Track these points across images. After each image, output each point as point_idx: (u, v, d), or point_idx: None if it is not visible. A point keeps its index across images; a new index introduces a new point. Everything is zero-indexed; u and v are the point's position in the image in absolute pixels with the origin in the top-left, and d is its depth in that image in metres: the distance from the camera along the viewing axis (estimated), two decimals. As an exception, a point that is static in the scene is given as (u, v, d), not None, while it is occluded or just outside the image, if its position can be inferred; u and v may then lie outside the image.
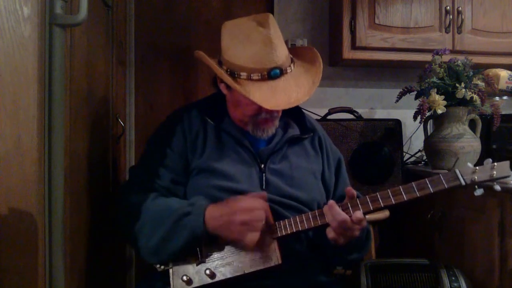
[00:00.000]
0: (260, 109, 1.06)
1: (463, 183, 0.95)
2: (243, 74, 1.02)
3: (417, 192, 0.96)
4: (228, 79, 1.03)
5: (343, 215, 0.95)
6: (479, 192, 0.95)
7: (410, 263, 1.33)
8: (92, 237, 1.17)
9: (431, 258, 1.37)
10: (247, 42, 1.02)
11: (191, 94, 2.07)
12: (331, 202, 0.98)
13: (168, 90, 2.08)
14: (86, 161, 1.13)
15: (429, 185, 0.96)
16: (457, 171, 0.96)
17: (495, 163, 0.95)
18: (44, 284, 0.79)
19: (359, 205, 0.98)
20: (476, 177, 0.95)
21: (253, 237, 0.95)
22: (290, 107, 1.03)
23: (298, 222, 0.99)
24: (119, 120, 1.55)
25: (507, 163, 0.96)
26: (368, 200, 0.98)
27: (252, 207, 0.96)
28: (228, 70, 1.05)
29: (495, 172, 0.94)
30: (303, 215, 1.01)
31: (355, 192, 1.00)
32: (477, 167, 0.96)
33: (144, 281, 1.12)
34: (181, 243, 0.97)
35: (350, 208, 0.98)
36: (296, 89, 1.04)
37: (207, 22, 2.09)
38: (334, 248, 1.03)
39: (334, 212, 0.96)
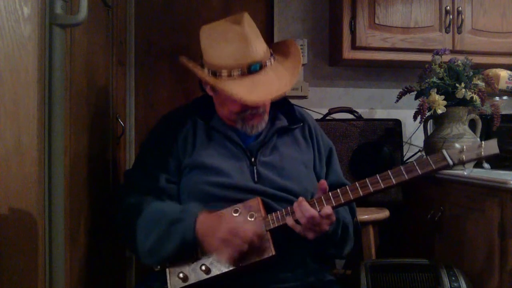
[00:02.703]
0: (244, 105, 1.07)
1: (450, 163, 0.94)
2: (224, 72, 1.04)
3: (405, 175, 0.96)
4: (210, 79, 1.06)
5: (311, 211, 0.95)
6: (467, 171, 0.95)
7: (410, 263, 1.33)
8: (92, 237, 1.17)
9: (431, 258, 1.37)
10: (224, 41, 1.05)
11: (191, 94, 2.07)
12: (300, 198, 0.99)
13: (168, 90, 2.08)
14: (86, 161, 1.13)
15: (417, 167, 0.95)
16: (445, 152, 0.95)
17: (483, 142, 0.95)
18: (44, 284, 0.79)
19: (332, 199, 0.98)
20: (463, 157, 0.94)
21: (229, 255, 0.95)
22: (272, 98, 1.05)
23: (290, 214, 1.00)
24: (119, 120, 1.55)
25: (494, 141, 0.95)
26: (341, 192, 0.98)
27: (237, 230, 0.95)
28: (210, 70, 1.07)
29: (482, 151, 0.93)
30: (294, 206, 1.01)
31: (327, 187, 1.00)
32: (465, 147, 0.95)
33: (143, 282, 1.13)
34: (173, 247, 0.99)
35: (323, 202, 0.98)
36: (277, 81, 1.06)
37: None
38: (313, 241, 1.03)
39: (303, 208, 0.96)
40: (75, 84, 1.02)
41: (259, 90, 1.03)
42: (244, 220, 1.00)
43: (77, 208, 1.04)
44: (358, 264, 1.35)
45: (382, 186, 0.97)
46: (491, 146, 0.94)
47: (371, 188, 0.97)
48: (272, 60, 1.09)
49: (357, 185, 0.98)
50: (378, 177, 0.98)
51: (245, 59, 1.03)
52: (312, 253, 1.12)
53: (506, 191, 1.30)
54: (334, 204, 0.98)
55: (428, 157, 0.96)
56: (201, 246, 1.00)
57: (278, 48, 1.16)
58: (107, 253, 1.39)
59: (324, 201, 0.98)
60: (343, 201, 0.98)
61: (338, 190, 0.99)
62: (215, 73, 1.06)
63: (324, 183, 1.01)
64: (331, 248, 1.13)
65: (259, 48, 1.05)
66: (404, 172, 0.96)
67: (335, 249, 1.14)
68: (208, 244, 0.98)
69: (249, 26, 1.06)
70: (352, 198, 0.98)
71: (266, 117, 1.16)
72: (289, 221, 0.98)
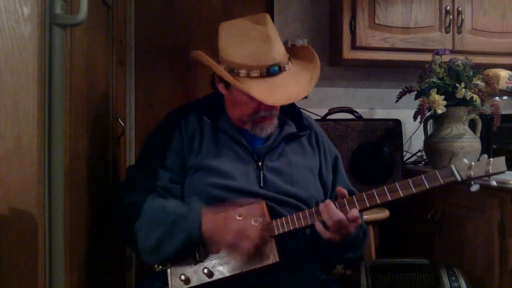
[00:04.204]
0: (259, 107, 1.07)
1: (459, 178, 0.95)
2: (243, 72, 1.03)
3: (413, 189, 0.96)
4: (229, 77, 1.03)
5: (339, 215, 0.95)
6: (475, 188, 0.96)
7: (410, 263, 1.33)
8: (92, 237, 1.17)
9: (431, 258, 1.37)
10: (245, 40, 1.03)
11: (191, 94, 2.07)
12: (328, 200, 0.99)
13: (168, 90, 2.08)
14: (86, 161, 1.13)
15: (425, 181, 0.96)
16: (453, 167, 0.96)
17: (491, 159, 0.95)
18: (44, 284, 0.79)
19: (356, 203, 0.98)
20: (472, 173, 0.95)
21: (243, 250, 0.95)
22: (290, 102, 1.05)
23: (295, 220, 1.00)
24: (119, 120, 1.55)
25: (502, 158, 0.96)
26: (365, 197, 0.98)
27: (244, 232, 0.96)
28: (227, 68, 1.06)
29: (490, 168, 0.95)
30: (300, 213, 1.01)
31: (346, 192, 1.00)
32: (473, 163, 0.96)
33: (143, 282, 1.12)
34: (177, 246, 0.98)
35: (346, 206, 0.98)
36: (295, 85, 1.05)
37: (207, 22, 2.09)
38: (329, 246, 1.03)
39: (330, 211, 0.96)
40: (75, 84, 1.01)
41: (278, 93, 1.02)
42: (248, 224, 0.99)
43: (77, 208, 1.04)
44: (358, 264, 1.35)
45: (389, 198, 0.97)
46: (500, 164, 0.95)
47: (378, 200, 0.98)
48: (290, 64, 1.09)
49: (364, 196, 0.99)
50: (385, 189, 0.98)
51: (266, 60, 1.03)
52: (314, 256, 1.11)
53: (506, 191, 1.30)
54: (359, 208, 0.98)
55: (436, 171, 0.97)
56: (207, 246, 0.99)
57: (295, 53, 1.16)
58: (107, 253, 1.39)
59: (347, 205, 0.98)
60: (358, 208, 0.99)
61: (355, 196, 1.00)
62: (232, 72, 1.05)
63: (341, 189, 1.01)
64: (349, 252, 1.12)
65: (279, 50, 1.05)
66: (412, 186, 0.97)
67: (353, 253, 1.13)
68: (215, 246, 0.97)
69: (271, 27, 1.05)
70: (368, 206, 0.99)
71: (276, 121, 1.15)
72: (318, 226, 0.98)
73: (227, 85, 1.09)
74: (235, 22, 1.08)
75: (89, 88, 1.17)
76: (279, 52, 1.05)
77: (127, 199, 1.07)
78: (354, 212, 0.96)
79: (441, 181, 0.96)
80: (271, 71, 1.03)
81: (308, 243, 1.10)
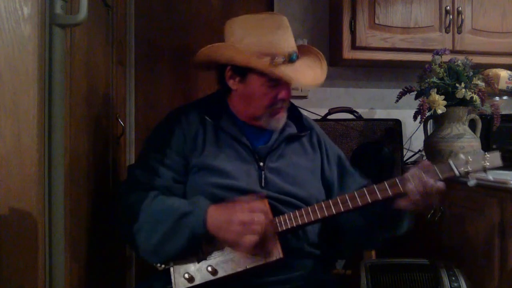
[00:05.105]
0: (276, 97, 1.08)
1: (457, 173, 0.97)
2: (266, 59, 1.04)
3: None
4: (260, 63, 1.04)
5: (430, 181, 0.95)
6: (472, 182, 0.97)
7: (410, 263, 1.33)
8: (92, 237, 1.17)
9: (431, 258, 1.37)
10: (265, 29, 1.07)
11: (191, 94, 2.07)
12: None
13: (168, 90, 2.08)
14: (86, 161, 1.13)
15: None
16: (451, 163, 0.98)
17: (487, 154, 0.97)
18: (44, 284, 0.79)
19: (357, 198, 0.99)
20: (469, 168, 0.97)
21: (251, 239, 0.94)
22: (316, 84, 1.09)
23: (298, 217, 1.00)
24: (119, 120, 1.55)
25: (497, 153, 0.98)
26: (364, 193, 1.00)
27: (252, 208, 0.96)
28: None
29: (487, 163, 0.97)
30: (302, 209, 1.01)
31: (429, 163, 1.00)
32: (470, 158, 0.97)
33: (144, 281, 1.12)
34: (181, 243, 0.97)
35: (358, 198, 0.99)
36: (312, 71, 1.10)
37: (207, 22, 2.09)
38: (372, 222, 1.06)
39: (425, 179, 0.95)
40: (75, 84, 1.01)
41: (303, 76, 1.06)
42: (249, 198, 0.99)
43: (77, 208, 1.04)
44: (358, 264, 1.35)
45: (390, 193, 0.98)
46: (495, 159, 0.97)
47: (379, 196, 0.99)
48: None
49: (365, 192, 1.00)
50: (386, 184, 0.99)
51: (286, 47, 1.07)
52: (314, 256, 1.12)
53: (506, 191, 1.30)
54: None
55: (435, 167, 0.98)
56: (210, 244, 0.99)
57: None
58: (107, 253, 1.39)
59: (358, 197, 0.99)
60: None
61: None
62: None
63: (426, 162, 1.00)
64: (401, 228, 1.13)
65: (293, 39, 1.10)
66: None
67: (390, 231, 1.14)
68: (227, 233, 0.96)
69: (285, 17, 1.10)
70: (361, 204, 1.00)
71: (286, 114, 1.16)
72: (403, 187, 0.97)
73: (242, 78, 1.09)
74: (246, 17, 1.10)
75: (89, 88, 1.17)
76: (294, 41, 1.09)
77: (128, 199, 1.07)
78: (441, 184, 0.96)
79: (440, 176, 0.97)
80: (292, 58, 1.07)
81: (310, 241, 1.10)
